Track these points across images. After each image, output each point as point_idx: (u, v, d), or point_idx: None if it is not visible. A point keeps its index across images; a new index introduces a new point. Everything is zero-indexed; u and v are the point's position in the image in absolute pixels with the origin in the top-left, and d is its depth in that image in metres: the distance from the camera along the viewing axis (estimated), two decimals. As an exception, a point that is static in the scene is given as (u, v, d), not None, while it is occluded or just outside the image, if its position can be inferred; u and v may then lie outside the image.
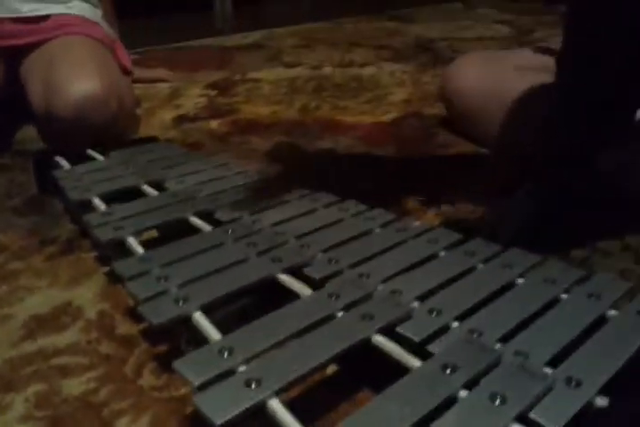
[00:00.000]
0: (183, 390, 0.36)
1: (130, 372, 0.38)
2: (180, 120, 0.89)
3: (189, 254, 0.42)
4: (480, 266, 0.42)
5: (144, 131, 0.85)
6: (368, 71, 1.15)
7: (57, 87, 0.72)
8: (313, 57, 1.26)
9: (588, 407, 0.29)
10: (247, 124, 0.86)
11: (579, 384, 0.30)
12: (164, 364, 0.38)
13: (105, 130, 0.72)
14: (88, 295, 0.46)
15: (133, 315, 0.43)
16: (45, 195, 0.62)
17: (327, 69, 1.16)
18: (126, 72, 0.91)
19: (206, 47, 1.40)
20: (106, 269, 0.49)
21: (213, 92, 1.02)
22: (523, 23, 1.65)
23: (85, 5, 0.88)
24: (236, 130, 0.84)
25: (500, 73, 0.76)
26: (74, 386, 0.37)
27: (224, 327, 0.35)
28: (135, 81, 1.00)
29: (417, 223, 0.49)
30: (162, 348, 0.40)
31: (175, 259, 0.42)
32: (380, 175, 0.69)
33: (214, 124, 0.87)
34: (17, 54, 0.80)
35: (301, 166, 0.70)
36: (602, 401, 0.29)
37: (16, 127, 0.82)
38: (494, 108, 0.73)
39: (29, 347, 0.41)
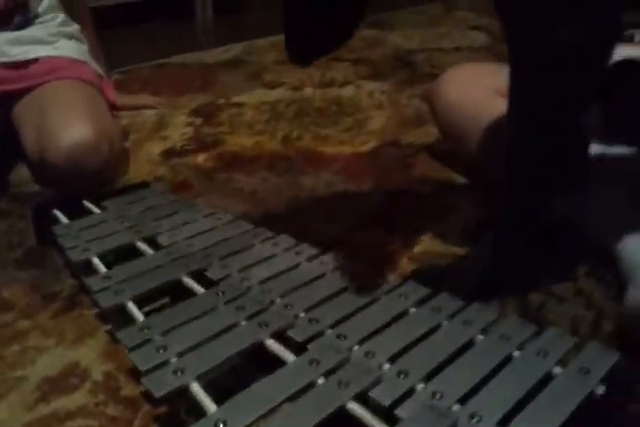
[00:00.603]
0: (185, 452, 0.41)
1: (136, 433, 0.43)
2: (168, 154, 0.93)
3: (185, 321, 0.47)
4: (445, 323, 0.47)
5: (133, 166, 0.89)
6: (348, 92, 1.19)
7: (49, 134, 0.75)
8: (294, 76, 1.29)
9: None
10: (232, 158, 0.91)
11: (523, 445, 0.36)
12: (166, 425, 0.43)
13: (98, 174, 0.75)
14: (92, 355, 0.51)
15: (135, 375, 0.48)
16: (45, 246, 0.66)
17: (308, 91, 1.20)
18: (113, 107, 0.94)
19: (188, 64, 1.42)
20: (107, 327, 0.54)
21: (198, 120, 1.06)
22: (498, 28, 1.69)
23: (72, 43, 0.91)
24: (221, 165, 0.88)
25: (479, 95, 0.76)
26: (87, 449, 0.42)
27: (217, 386, 0.40)
28: (121, 108, 1.03)
29: (390, 277, 0.54)
30: (162, 409, 0.45)
31: (172, 326, 0.46)
32: (359, 216, 0.74)
33: (201, 158, 0.91)
34: (8, 99, 0.83)
35: (286, 209, 0.75)
36: (542, 460, 0.35)
37: (10, 169, 0.85)
38: (473, 132, 0.74)
39: (44, 410, 0.46)
